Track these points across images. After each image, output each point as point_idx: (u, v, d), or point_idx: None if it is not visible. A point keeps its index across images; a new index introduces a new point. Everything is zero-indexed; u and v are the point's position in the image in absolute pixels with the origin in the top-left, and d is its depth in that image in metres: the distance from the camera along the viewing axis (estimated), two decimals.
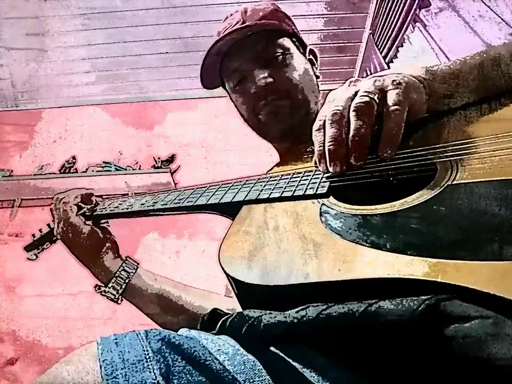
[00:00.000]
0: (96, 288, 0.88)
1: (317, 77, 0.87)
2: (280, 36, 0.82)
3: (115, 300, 0.85)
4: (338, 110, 0.52)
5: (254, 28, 0.79)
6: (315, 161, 0.60)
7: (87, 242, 0.85)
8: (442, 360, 0.33)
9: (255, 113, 0.84)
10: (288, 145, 0.87)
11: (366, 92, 0.52)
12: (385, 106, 0.51)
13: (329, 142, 0.52)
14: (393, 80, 0.52)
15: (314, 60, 0.89)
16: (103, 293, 0.86)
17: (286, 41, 0.83)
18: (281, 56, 0.81)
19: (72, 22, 2.75)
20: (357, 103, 0.51)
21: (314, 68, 0.88)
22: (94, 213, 0.85)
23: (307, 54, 0.88)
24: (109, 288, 0.84)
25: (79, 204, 0.86)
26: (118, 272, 0.85)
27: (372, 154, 0.52)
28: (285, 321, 0.41)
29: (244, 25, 0.80)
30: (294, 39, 0.85)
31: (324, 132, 0.53)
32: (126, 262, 0.87)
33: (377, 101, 0.51)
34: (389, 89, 0.52)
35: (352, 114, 0.51)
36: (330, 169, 0.53)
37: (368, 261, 0.41)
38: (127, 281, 0.85)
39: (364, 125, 0.50)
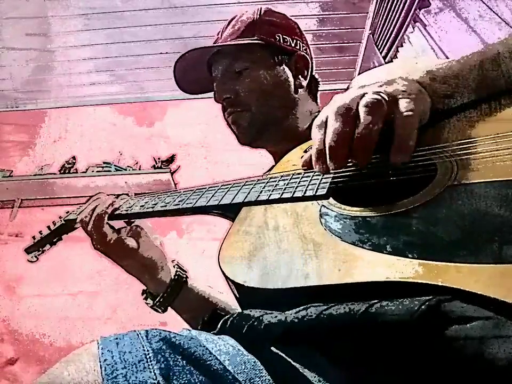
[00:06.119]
0: (144, 297, 0.83)
1: (299, 85, 0.85)
2: (249, 50, 0.83)
3: (162, 311, 0.82)
4: (346, 105, 0.50)
5: (215, 47, 0.85)
6: (303, 164, 0.59)
7: (134, 256, 0.80)
8: (442, 360, 0.33)
9: (227, 122, 0.87)
10: (274, 150, 0.88)
11: (376, 92, 0.50)
12: (397, 112, 0.49)
13: (332, 136, 0.49)
14: (403, 90, 0.51)
15: (303, 66, 0.87)
16: (152, 307, 0.82)
17: (256, 54, 0.84)
18: (245, 70, 0.83)
19: (72, 22, 2.75)
20: (368, 99, 0.49)
21: (299, 75, 0.86)
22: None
23: (292, 61, 0.86)
24: (158, 302, 0.81)
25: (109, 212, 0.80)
26: (169, 285, 0.81)
27: (374, 154, 0.52)
28: (286, 321, 0.41)
29: (213, 44, 0.87)
30: (270, 48, 0.84)
31: (326, 129, 0.51)
32: (176, 275, 0.82)
33: (387, 103, 0.49)
34: (400, 97, 0.50)
35: (362, 109, 0.48)
36: (330, 165, 0.49)
37: (368, 264, 0.41)
38: (176, 294, 0.81)
39: (374, 123, 0.47)
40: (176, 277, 0.82)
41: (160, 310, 0.82)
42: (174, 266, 0.83)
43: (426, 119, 0.53)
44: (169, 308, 0.82)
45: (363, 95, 0.50)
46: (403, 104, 0.49)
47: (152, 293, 0.82)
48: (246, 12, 0.88)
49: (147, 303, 0.83)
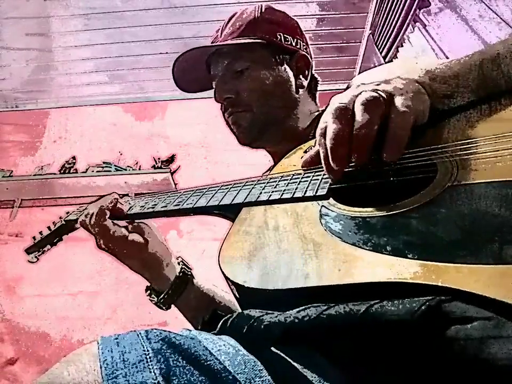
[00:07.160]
0: (148, 293, 0.82)
1: (300, 85, 0.85)
2: (250, 49, 0.83)
3: (166, 309, 0.82)
4: (343, 105, 0.50)
5: (216, 47, 0.84)
6: (302, 164, 0.59)
7: (136, 252, 0.78)
8: (443, 360, 0.33)
9: (227, 122, 0.86)
10: (274, 150, 0.88)
11: (373, 90, 0.50)
12: (393, 109, 0.49)
13: (331, 139, 0.49)
14: (400, 88, 0.51)
15: (304, 66, 0.86)
16: (155, 304, 0.81)
17: (257, 53, 0.83)
18: (246, 70, 0.82)
19: (72, 22, 2.74)
20: (364, 97, 0.49)
21: (300, 75, 0.85)
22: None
23: (293, 61, 0.85)
24: (162, 298, 0.80)
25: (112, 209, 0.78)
26: (174, 282, 0.80)
27: (373, 156, 0.52)
28: (286, 321, 0.41)
29: (212, 42, 0.86)
30: (271, 47, 0.83)
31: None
32: (182, 271, 0.81)
33: (384, 101, 0.49)
34: (397, 94, 0.50)
35: (358, 108, 0.48)
36: (333, 166, 0.49)
37: (368, 264, 0.41)
38: (181, 292, 0.80)
39: (371, 120, 0.47)
40: (181, 274, 0.81)
41: (164, 308, 0.81)
42: (178, 264, 0.83)
43: (426, 119, 0.53)
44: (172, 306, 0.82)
45: (360, 94, 0.50)
46: (399, 101, 0.49)
47: (156, 289, 0.81)
48: (246, 9, 0.87)
49: (151, 300, 0.82)
